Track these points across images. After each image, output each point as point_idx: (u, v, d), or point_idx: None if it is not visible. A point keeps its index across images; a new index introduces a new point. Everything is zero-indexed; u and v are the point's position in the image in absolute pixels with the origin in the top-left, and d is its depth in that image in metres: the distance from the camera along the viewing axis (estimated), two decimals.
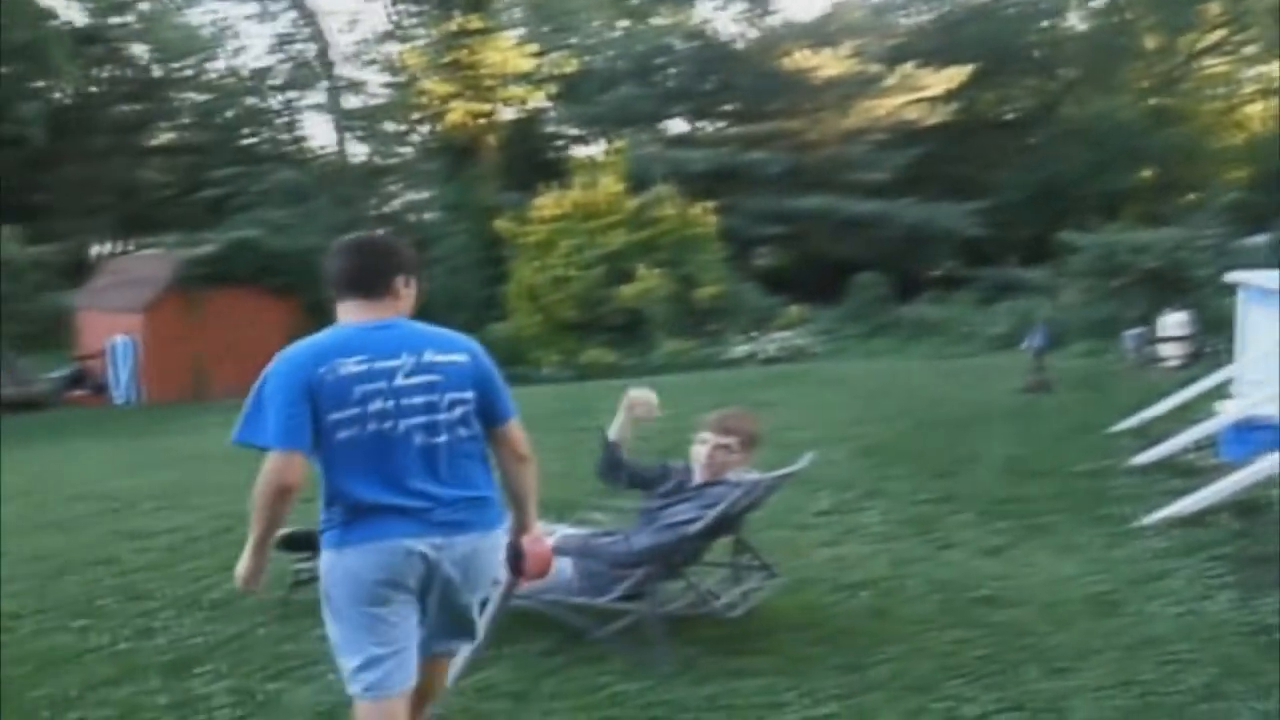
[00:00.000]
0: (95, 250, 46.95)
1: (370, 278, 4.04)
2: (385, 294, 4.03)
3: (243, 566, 4.03)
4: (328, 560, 3.94)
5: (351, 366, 3.85)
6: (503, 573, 4.46)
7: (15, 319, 28.57)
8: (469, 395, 4.02)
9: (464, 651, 4.64)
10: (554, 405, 15.50)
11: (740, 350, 22.95)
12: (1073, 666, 5.43)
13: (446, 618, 4.11)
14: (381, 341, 3.93)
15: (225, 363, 21.36)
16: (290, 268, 24.59)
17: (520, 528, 4.35)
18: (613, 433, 6.12)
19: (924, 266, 36.43)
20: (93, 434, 17.03)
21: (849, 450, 10.83)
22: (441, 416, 3.95)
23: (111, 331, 23.58)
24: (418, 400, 3.91)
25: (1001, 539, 7.87)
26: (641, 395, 6.04)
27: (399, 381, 3.89)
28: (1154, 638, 5.79)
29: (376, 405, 3.85)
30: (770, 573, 6.22)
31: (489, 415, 4.11)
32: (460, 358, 4.04)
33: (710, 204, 26.30)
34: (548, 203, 25.90)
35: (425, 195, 38.98)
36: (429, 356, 3.96)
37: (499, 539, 4.18)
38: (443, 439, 3.95)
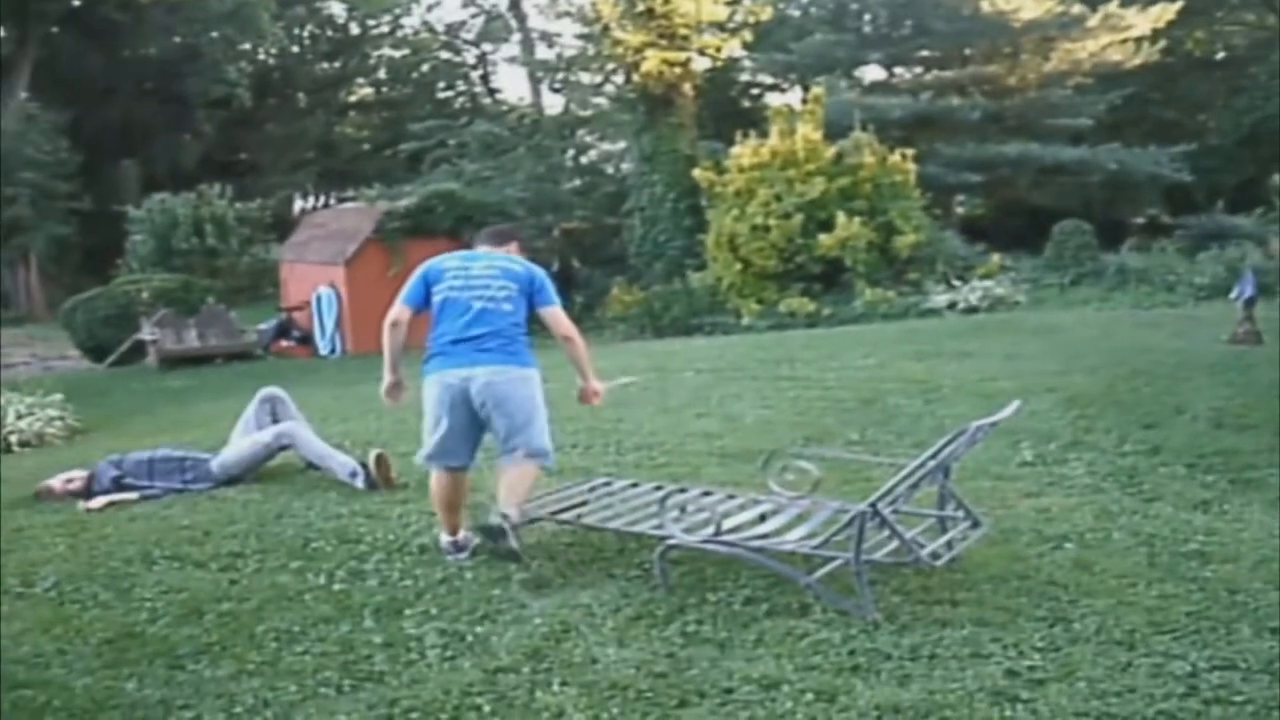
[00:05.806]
0: (298, 205, 48.25)
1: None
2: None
3: (382, 386, 6.84)
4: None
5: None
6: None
7: (223, 273, 29.58)
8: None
9: None
10: (755, 354, 15.49)
11: (940, 299, 22.56)
12: None
13: None
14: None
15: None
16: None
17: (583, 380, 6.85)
18: None
19: (1128, 213, 35.48)
20: (300, 383, 17.45)
21: (1052, 401, 10.64)
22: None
23: (314, 284, 24.15)
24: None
25: (1210, 493, 7.70)
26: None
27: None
28: None
29: None
30: (975, 522, 6.18)
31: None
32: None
33: (908, 151, 25.89)
34: (745, 151, 25.69)
35: (621, 146, 39.02)
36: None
37: None
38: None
